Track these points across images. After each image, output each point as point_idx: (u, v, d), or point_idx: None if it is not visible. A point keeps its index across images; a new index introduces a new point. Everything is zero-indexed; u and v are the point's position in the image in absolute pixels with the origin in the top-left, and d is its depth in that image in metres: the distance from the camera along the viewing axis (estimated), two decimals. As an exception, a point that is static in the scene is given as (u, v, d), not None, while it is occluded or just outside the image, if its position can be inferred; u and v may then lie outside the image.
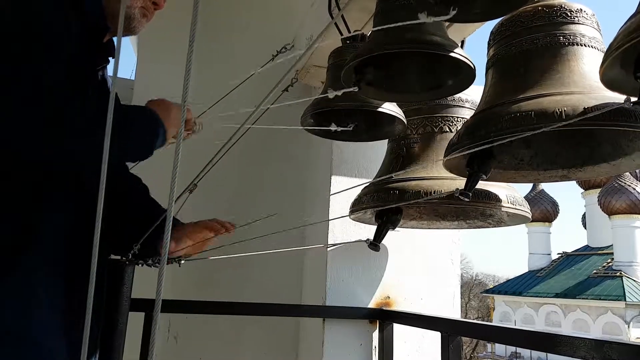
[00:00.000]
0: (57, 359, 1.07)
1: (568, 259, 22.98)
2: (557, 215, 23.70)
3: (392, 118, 1.84)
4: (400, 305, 2.38)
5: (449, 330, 1.79)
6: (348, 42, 1.91)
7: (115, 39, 1.33)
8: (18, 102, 0.94)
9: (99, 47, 1.27)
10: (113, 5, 1.22)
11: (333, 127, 1.59)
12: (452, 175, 1.65)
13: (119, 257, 1.47)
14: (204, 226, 1.48)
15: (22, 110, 0.94)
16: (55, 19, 1.06)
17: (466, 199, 1.47)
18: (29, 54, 0.98)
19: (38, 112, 0.95)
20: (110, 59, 1.35)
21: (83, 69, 1.15)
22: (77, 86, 1.04)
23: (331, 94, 1.46)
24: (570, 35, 1.38)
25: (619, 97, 1.14)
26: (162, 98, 1.22)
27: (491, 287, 28.55)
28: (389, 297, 2.37)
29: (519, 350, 21.91)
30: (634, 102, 1.02)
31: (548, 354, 19.47)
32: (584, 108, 1.17)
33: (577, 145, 1.49)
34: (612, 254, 20.57)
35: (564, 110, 1.19)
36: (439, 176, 1.75)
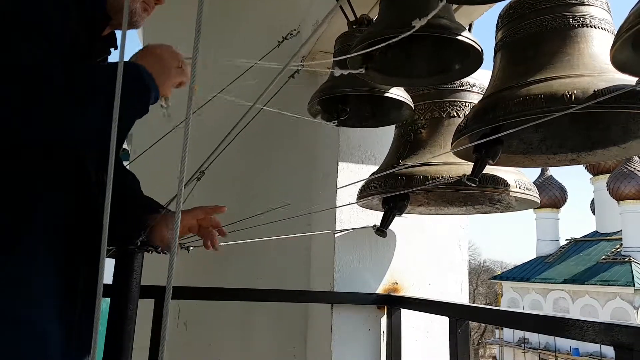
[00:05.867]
0: (51, 340, 1.08)
1: (576, 245, 22.88)
2: (565, 201, 23.56)
3: (399, 103, 1.83)
4: (408, 290, 2.38)
5: (457, 315, 1.79)
6: (354, 26, 1.90)
7: (117, 31, 1.33)
8: (16, 84, 0.94)
9: (99, 37, 1.26)
10: None
11: (322, 121, 1.58)
12: (460, 160, 1.65)
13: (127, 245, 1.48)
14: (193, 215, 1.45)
15: (19, 91, 0.95)
16: (55, 8, 1.07)
17: (473, 185, 1.47)
18: (28, 42, 0.99)
19: (35, 93, 0.95)
20: (112, 50, 1.34)
21: (82, 57, 1.15)
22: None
23: (337, 73, 1.45)
24: (579, 17, 1.36)
25: (629, 79, 1.12)
26: (147, 46, 1.18)
27: (499, 273, 28.53)
28: (396, 283, 2.38)
29: (527, 335, 21.93)
30: (645, 84, 1.01)
31: (556, 339, 19.54)
32: (594, 91, 1.15)
33: (586, 129, 1.48)
34: (621, 239, 20.44)
35: (574, 93, 1.18)
36: (446, 161, 1.74)
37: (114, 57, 1.36)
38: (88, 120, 1.00)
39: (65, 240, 1.13)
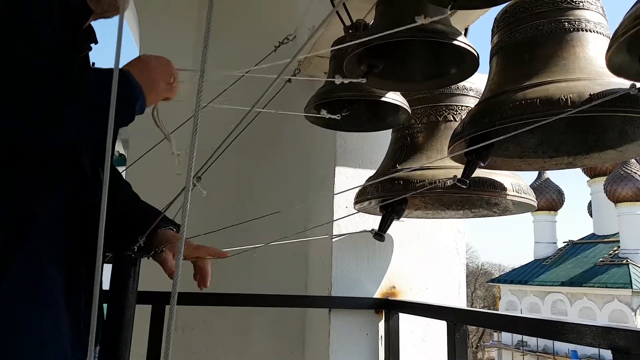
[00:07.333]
0: (63, 336, 1.09)
1: (574, 248, 22.92)
2: (562, 204, 23.62)
3: (395, 107, 1.83)
4: (406, 295, 2.38)
5: (455, 319, 1.79)
6: (350, 31, 1.90)
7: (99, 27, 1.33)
8: (10, 84, 0.94)
9: (80, 32, 1.25)
10: None
11: (326, 115, 1.59)
12: (457, 164, 1.65)
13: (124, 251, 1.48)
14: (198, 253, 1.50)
15: (13, 90, 0.95)
16: (42, 7, 1.07)
17: (464, 187, 1.47)
18: (17, 42, 0.99)
19: (27, 92, 0.96)
20: (92, 45, 1.33)
21: (68, 55, 1.15)
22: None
23: (337, 81, 1.46)
24: (575, 21, 1.36)
25: (625, 83, 1.12)
26: (142, 55, 1.17)
27: (497, 276, 28.56)
28: (394, 287, 2.37)
29: (525, 338, 21.91)
30: (640, 88, 1.01)
31: (554, 342, 19.53)
32: (590, 95, 1.15)
33: (582, 133, 1.48)
34: (618, 241, 20.48)
35: (570, 97, 1.18)
36: (443, 165, 1.74)
37: (95, 52, 1.35)
38: (73, 119, 1.00)
39: (68, 239, 1.13)
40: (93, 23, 1.32)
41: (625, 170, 19.96)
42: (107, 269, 1.49)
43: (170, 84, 1.17)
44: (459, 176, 1.49)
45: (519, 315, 1.66)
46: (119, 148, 4.74)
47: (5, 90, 0.94)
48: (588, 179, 23.33)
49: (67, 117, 1.00)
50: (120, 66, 0.99)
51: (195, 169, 1.44)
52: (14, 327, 1.01)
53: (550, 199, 22.88)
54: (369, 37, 1.39)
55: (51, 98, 0.97)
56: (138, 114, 1.10)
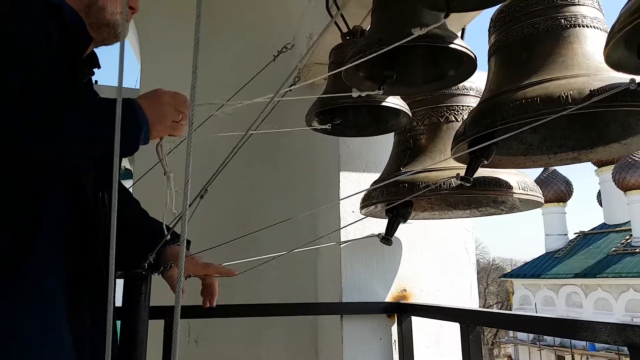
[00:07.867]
0: (64, 345, 1.09)
1: (585, 238, 22.70)
2: (571, 195, 23.41)
3: (396, 111, 1.83)
4: (417, 297, 2.37)
5: (468, 321, 1.78)
6: (347, 37, 1.91)
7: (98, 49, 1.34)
8: (10, 99, 0.96)
9: (81, 58, 1.26)
10: (94, 15, 1.24)
11: (318, 127, 1.60)
12: (461, 165, 1.64)
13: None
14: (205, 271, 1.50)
15: (13, 102, 0.97)
16: (35, 31, 1.08)
17: (467, 184, 1.46)
18: (12, 66, 1.00)
19: (27, 106, 0.97)
20: (95, 70, 1.34)
21: (67, 78, 1.16)
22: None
23: (355, 94, 1.46)
24: (571, 17, 1.36)
25: (624, 77, 1.12)
26: (158, 89, 1.19)
27: (509, 271, 28.35)
28: (405, 290, 2.37)
29: (541, 333, 21.68)
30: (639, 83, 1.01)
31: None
32: (590, 91, 1.15)
33: (586, 128, 1.47)
34: (630, 230, 20.28)
35: (570, 94, 1.17)
36: (447, 166, 1.74)
37: (99, 76, 1.37)
38: (72, 130, 1.02)
39: (67, 250, 1.14)
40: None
41: (633, 157, 19.73)
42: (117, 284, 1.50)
43: (177, 123, 1.17)
44: (462, 174, 1.48)
45: (533, 314, 1.65)
46: (125, 163, 4.77)
47: (5, 99, 0.95)
48: (595, 168, 23.12)
49: (66, 127, 1.01)
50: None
51: (201, 183, 1.45)
52: (14, 327, 1.02)
53: (558, 191, 22.69)
54: (371, 55, 1.39)
55: (52, 107, 0.99)
56: (142, 144, 1.11)
